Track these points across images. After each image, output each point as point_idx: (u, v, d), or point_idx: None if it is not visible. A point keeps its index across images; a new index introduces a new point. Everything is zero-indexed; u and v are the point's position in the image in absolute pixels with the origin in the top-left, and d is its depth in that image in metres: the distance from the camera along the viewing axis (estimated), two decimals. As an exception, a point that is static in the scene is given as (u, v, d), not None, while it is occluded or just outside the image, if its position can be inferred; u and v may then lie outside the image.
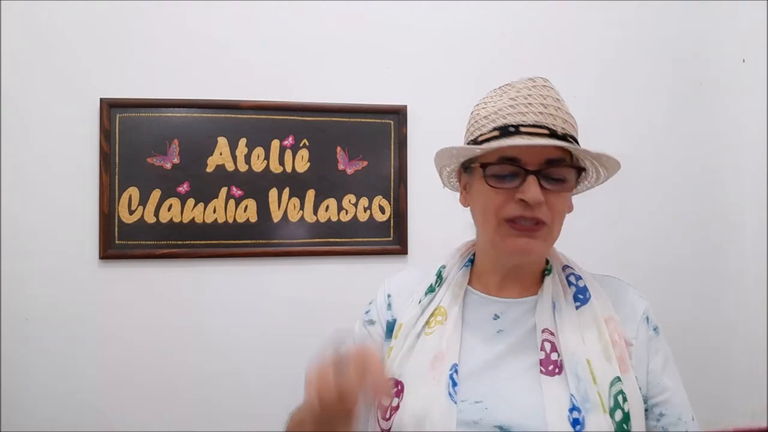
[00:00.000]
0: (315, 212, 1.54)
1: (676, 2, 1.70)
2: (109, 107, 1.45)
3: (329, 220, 1.55)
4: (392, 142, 1.58)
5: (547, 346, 0.77)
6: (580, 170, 0.80)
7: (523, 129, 0.75)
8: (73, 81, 1.45)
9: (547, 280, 0.83)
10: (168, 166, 1.48)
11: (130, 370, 1.46)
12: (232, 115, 1.51)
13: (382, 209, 1.57)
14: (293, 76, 1.55)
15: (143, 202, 1.47)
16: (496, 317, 0.82)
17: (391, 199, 1.58)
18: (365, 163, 1.57)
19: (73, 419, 1.43)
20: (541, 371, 0.75)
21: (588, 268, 0.93)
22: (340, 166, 1.56)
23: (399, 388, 0.79)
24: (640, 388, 0.76)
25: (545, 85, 0.80)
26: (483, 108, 0.82)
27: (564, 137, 0.76)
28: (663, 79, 1.70)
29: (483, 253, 0.88)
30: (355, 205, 1.56)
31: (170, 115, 1.49)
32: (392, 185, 1.58)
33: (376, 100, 1.57)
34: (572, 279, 0.84)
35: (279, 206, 1.53)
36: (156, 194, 1.47)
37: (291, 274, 1.54)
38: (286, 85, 1.54)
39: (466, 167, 0.84)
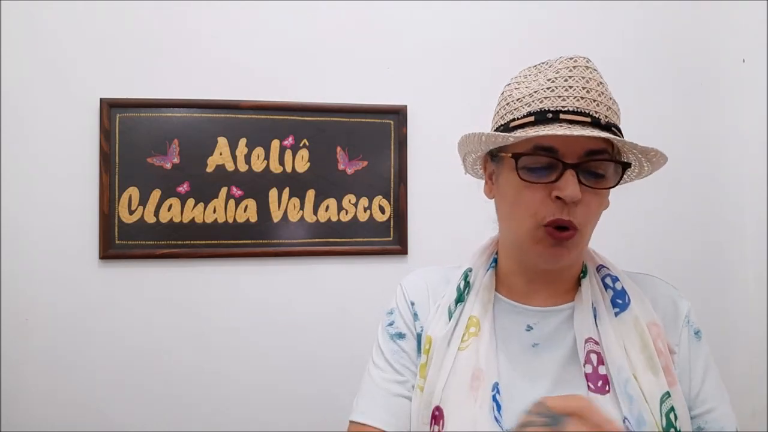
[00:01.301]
0: (315, 212, 1.54)
1: (676, 2, 1.70)
2: (109, 107, 1.45)
3: (329, 220, 1.55)
4: (392, 142, 1.58)
5: (593, 358, 0.69)
6: (623, 165, 0.70)
7: (562, 116, 0.66)
8: (73, 81, 1.45)
9: (584, 284, 0.75)
10: (168, 166, 1.48)
11: (129, 369, 1.46)
12: (232, 115, 1.51)
13: (382, 209, 1.57)
14: (293, 77, 1.55)
15: (143, 202, 1.47)
16: (530, 328, 0.74)
17: (391, 199, 1.58)
18: (365, 163, 1.57)
19: (73, 419, 1.43)
20: (589, 388, 0.67)
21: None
22: (340, 166, 1.56)
23: (438, 414, 0.70)
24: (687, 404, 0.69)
25: (587, 66, 0.70)
26: (516, 89, 0.72)
27: (608, 127, 0.67)
28: (663, 79, 1.70)
29: (506, 253, 0.79)
30: (355, 205, 1.56)
31: (170, 115, 1.49)
32: (392, 185, 1.58)
33: (376, 100, 1.57)
34: (609, 281, 0.76)
35: (279, 206, 1.53)
36: (156, 194, 1.47)
37: (291, 274, 1.54)
38: (286, 85, 1.54)
39: (494, 155, 0.74)
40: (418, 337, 0.78)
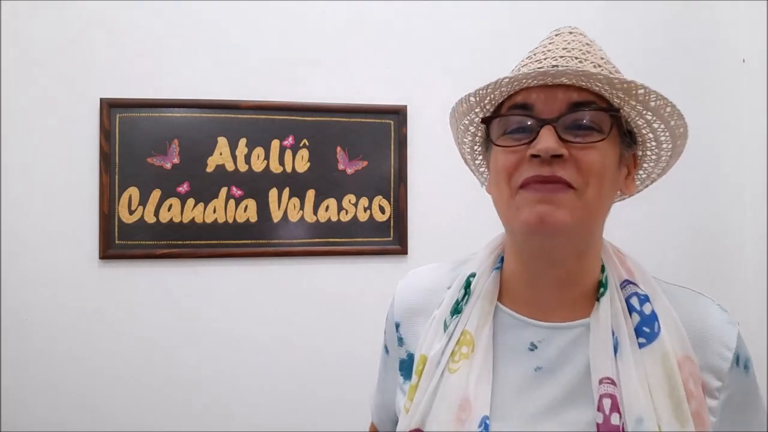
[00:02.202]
0: (315, 212, 1.54)
1: (676, 2, 1.70)
2: (109, 107, 1.45)
3: (329, 220, 1.55)
4: (392, 142, 1.58)
5: (607, 404, 0.56)
6: (613, 113, 0.59)
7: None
8: (73, 81, 1.45)
9: (604, 302, 0.61)
10: (168, 166, 1.48)
11: (129, 369, 1.46)
12: (232, 115, 1.51)
13: (382, 209, 1.57)
14: (293, 76, 1.55)
15: (143, 202, 1.47)
16: (533, 347, 0.62)
17: (391, 199, 1.58)
18: (365, 163, 1.57)
19: (73, 419, 1.43)
20: None
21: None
22: (340, 166, 1.56)
23: None
24: None
25: (571, 32, 0.64)
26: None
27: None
28: (663, 79, 1.69)
29: (509, 250, 0.68)
30: (355, 205, 1.56)
31: (170, 115, 1.49)
32: (392, 185, 1.58)
33: (376, 100, 1.57)
34: (635, 302, 0.61)
35: (279, 206, 1.53)
36: (156, 194, 1.47)
37: (291, 274, 1.54)
38: (286, 85, 1.54)
39: (487, 146, 0.67)
40: (402, 362, 0.71)
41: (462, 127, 0.70)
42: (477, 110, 0.67)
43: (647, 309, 0.60)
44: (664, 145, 0.65)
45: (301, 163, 1.54)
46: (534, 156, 0.56)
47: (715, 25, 1.72)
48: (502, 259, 0.69)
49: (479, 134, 0.70)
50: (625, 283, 0.63)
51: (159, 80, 1.49)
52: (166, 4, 1.50)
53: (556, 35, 0.64)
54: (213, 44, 1.52)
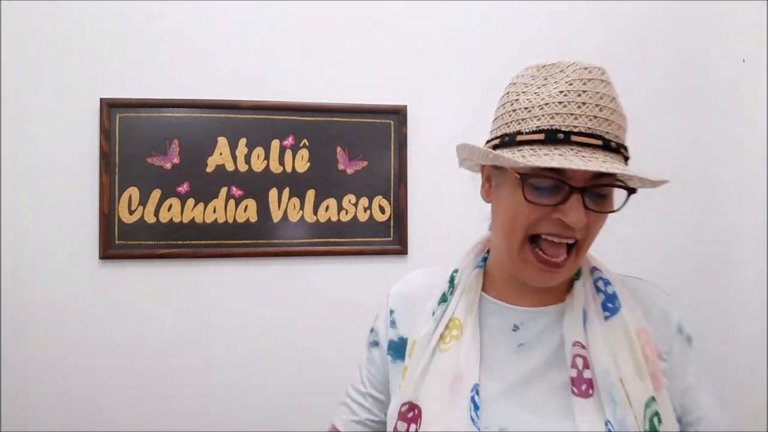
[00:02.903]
0: (315, 212, 1.54)
1: (676, 2, 1.70)
2: (109, 107, 1.45)
3: (329, 220, 1.55)
4: (392, 142, 1.58)
5: (579, 362, 0.68)
6: (630, 190, 0.69)
7: (573, 137, 0.63)
8: (73, 81, 1.45)
9: (578, 285, 0.73)
10: (168, 166, 1.48)
11: (130, 369, 1.46)
12: (232, 115, 1.51)
13: (382, 209, 1.57)
14: (293, 77, 1.55)
15: (143, 202, 1.47)
16: (516, 328, 0.73)
17: (391, 199, 1.58)
18: (365, 163, 1.57)
19: (73, 419, 1.43)
20: (573, 392, 0.67)
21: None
22: (340, 166, 1.56)
23: (416, 413, 0.70)
24: (674, 408, 0.69)
25: (602, 79, 0.67)
26: (523, 92, 0.69)
27: (617, 149, 0.66)
28: (663, 79, 1.70)
29: (498, 259, 0.77)
30: (355, 205, 1.56)
31: (170, 115, 1.49)
32: (392, 185, 1.58)
33: (376, 100, 1.57)
34: (601, 285, 0.74)
35: (279, 206, 1.53)
36: (156, 194, 1.47)
37: (291, 274, 1.54)
38: (286, 85, 1.54)
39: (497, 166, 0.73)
40: (392, 343, 0.79)
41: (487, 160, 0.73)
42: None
43: (610, 290, 0.73)
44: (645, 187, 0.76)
45: (301, 163, 1.54)
46: (560, 219, 0.65)
47: (715, 25, 1.72)
48: (485, 258, 0.79)
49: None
50: (594, 270, 0.76)
51: (159, 80, 1.49)
52: (166, 4, 1.50)
53: (589, 79, 0.66)
54: (213, 44, 1.52)
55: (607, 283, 0.74)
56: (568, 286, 0.74)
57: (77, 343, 1.45)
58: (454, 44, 1.61)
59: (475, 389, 0.68)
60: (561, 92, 0.66)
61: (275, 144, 1.53)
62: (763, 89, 1.66)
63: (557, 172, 0.64)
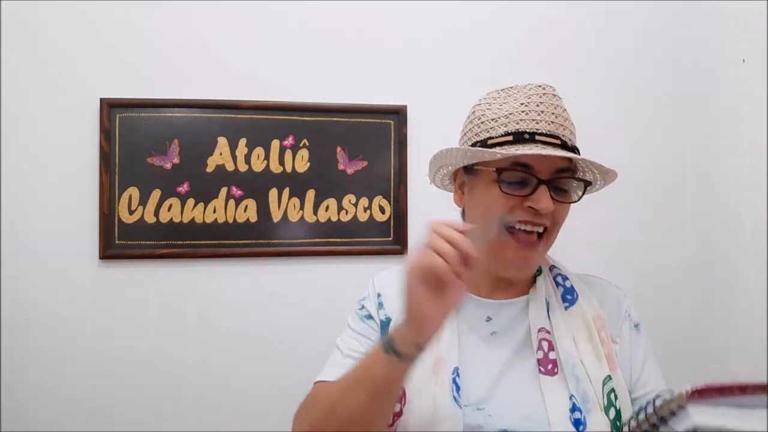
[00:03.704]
0: (315, 212, 1.54)
1: (676, 2, 1.70)
2: (109, 107, 1.45)
3: (329, 220, 1.55)
4: (392, 142, 1.58)
5: (545, 345, 0.78)
6: (586, 183, 0.81)
7: (537, 137, 0.76)
8: (73, 81, 1.45)
9: (539, 280, 0.85)
10: (168, 166, 1.48)
11: (130, 369, 1.46)
12: (232, 115, 1.51)
13: (382, 209, 1.57)
14: (293, 77, 1.55)
15: (143, 202, 1.47)
16: (489, 319, 0.83)
17: (391, 199, 1.58)
18: (365, 163, 1.57)
19: (73, 419, 1.43)
20: (540, 371, 0.76)
21: (587, 270, 0.93)
22: (340, 166, 1.56)
23: (400, 393, 0.76)
24: (627, 386, 0.79)
25: (555, 94, 0.80)
26: (488, 109, 0.81)
27: (572, 149, 0.78)
28: (663, 79, 1.70)
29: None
30: (355, 205, 1.56)
31: (170, 115, 1.49)
32: (392, 185, 1.58)
33: (376, 100, 1.57)
34: (559, 279, 0.86)
35: (279, 206, 1.53)
36: (156, 194, 1.47)
37: (291, 274, 1.54)
38: (287, 85, 1.54)
39: (468, 168, 0.83)
40: (382, 323, 0.86)
41: (463, 160, 0.83)
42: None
43: (568, 284, 0.86)
44: (598, 185, 0.87)
45: (301, 163, 1.54)
46: (531, 206, 0.76)
47: (715, 25, 1.72)
48: None
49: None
50: (552, 267, 0.88)
51: (159, 80, 1.49)
52: (166, 4, 1.50)
53: (543, 93, 0.79)
54: (213, 44, 1.52)
55: (564, 278, 0.86)
56: (531, 282, 0.85)
57: (77, 343, 1.44)
58: (454, 44, 1.61)
59: (456, 371, 0.76)
60: (522, 104, 0.78)
61: (275, 144, 1.53)
62: (763, 89, 1.66)
63: (526, 168, 0.76)
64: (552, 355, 0.77)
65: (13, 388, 1.41)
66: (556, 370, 0.76)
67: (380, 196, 1.57)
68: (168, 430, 1.46)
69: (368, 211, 1.57)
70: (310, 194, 1.54)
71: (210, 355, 1.50)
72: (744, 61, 1.71)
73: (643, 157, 1.66)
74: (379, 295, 0.90)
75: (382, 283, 0.91)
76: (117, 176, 1.46)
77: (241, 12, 1.53)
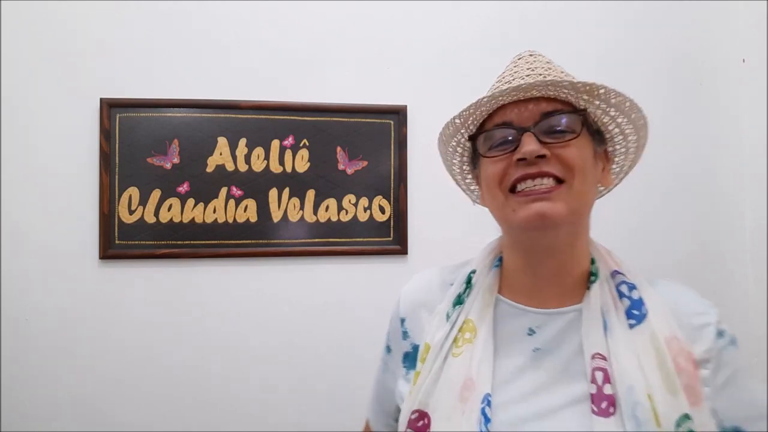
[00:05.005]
0: (315, 212, 1.54)
1: (676, 2, 1.70)
2: (109, 107, 1.45)
3: (329, 220, 1.55)
4: (392, 142, 1.58)
5: (599, 376, 0.63)
6: (579, 112, 0.68)
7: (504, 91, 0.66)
8: (73, 81, 1.45)
9: (594, 288, 0.68)
10: (168, 166, 1.48)
11: (129, 369, 1.46)
12: (232, 115, 1.51)
13: (382, 209, 1.57)
14: (293, 77, 1.55)
15: (143, 202, 1.47)
16: (531, 332, 0.69)
17: (391, 199, 1.58)
18: (365, 163, 1.57)
19: (73, 419, 1.43)
20: (593, 411, 0.61)
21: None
22: (340, 166, 1.56)
23: (425, 422, 0.67)
24: (723, 421, 0.63)
25: (531, 54, 0.73)
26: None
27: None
28: (663, 79, 1.70)
29: (508, 250, 0.75)
30: (355, 205, 1.56)
31: (170, 115, 1.49)
32: (392, 185, 1.58)
33: (376, 100, 1.57)
34: (624, 289, 0.69)
35: (279, 206, 1.53)
36: (156, 194, 1.47)
37: (291, 274, 1.54)
38: (287, 85, 1.54)
39: (475, 165, 0.76)
40: (407, 355, 0.77)
41: (450, 149, 0.77)
42: (462, 131, 0.74)
43: (635, 295, 0.68)
44: (630, 137, 0.74)
45: (301, 163, 1.54)
46: (520, 160, 0.64)
47: (715, 25, 1.72)
48: (501, 259, 0.76)
49: (466, 154, 0.78)
50: (615, 273, 0.71)
51: (159, 80, 1.49)
52: (166, 4, 1.50)
53: (518, 59, 0.73)
54: (213, 44, 1.52)
55: (632, 287, 0.68)
56: (585, 285, 0.70)
57: (77, 343, 1.44)
58: (454, 44, 1.61)
59: (486, 400, 0.64)
60: (498, 76, 0.73)
61: (275, 144, 1.53)
62: (763, 89, 1.66)
63: (506, 125, 0.67)
64: (608, 389, 0.62)
65: (13, 388, 1.41)
66: (612, 410, 0.61)
67: (380, 196, 1.57)
68: (168, 429, 1.46)
69: (368, 211, 1.57)
70: (310, 194, 1.54)
71: (210, 355, 1.50)
72: (744, 61, 1.71)
73: (643, 157, 1.66)
74: (402, 321, 0.79)
75: (406, 301, 0.80)
76: (117, 176, 1.46)
77: (241, 12, 1.53)
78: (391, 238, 1.57)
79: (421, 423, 0.67)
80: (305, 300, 1.54)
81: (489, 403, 0.64)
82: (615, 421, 0.60)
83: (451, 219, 1.58)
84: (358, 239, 1.56)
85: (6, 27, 1.43)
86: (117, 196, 1.46)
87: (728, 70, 1.72)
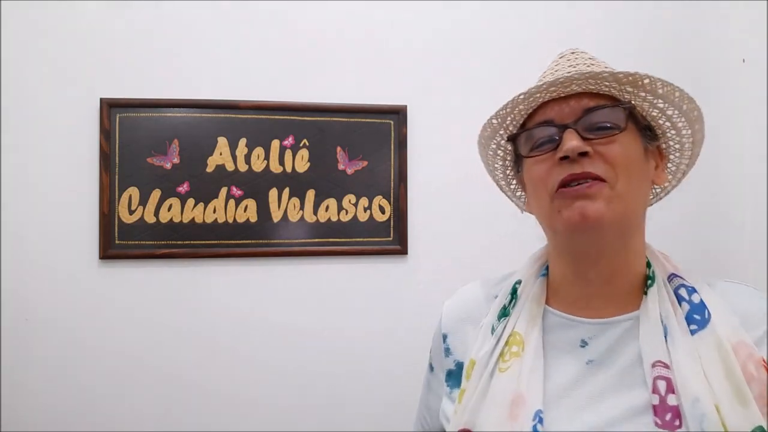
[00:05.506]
0: (315, 212, 1.54)
1: (676, 2, 1.70)
2: (109, 107, 1.45)
3: (329, 220, 1.55)
4: (392, 142, 1.58)
5: (662, 385, 0.57)
6: (625, 106, 0.63)
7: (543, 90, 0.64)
8: (73, 81, 1.45)
9: (651, 292, 0.63)
10: (168, 166, 1.48)
11: (129, 369, 1.46)
12: (232, 115, 1.51)
13: (382, 209, 1.57)
14: (293, 76, 1.55)
15: (143, 202, 1.47)
16: (584, 344, 0.64)
17: (391, 199, 1.58)
18: (365, 163, 1.57)
19: (72, 419, 1.43)
20: (656, 423, 0.56)
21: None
22: (340, 166, 1.56)
23: None
24: None
25: (573, 52, 0.70)
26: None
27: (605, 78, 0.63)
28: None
29: (555, 258, 0.70)
30: (355, 205, 1.56)
31: (170, 115, 1.49)
32: (392, 185, 1.58)
33: (376, 100, 1.57)
34: (683, 293, 0.63)
35: (279, 206, 1.53)
36: (156, 194, 1.47)
37: (291, 274, 1.54)
38: (286, 85, 1.54)
39: (518, 169, 0.73)
40: (449, 373, 0.73)
41: (491, 153, 0.74)
42: (501, 132, 0.71)
43: (696, 298, 0.62)
44: (684, 132, 0.69)
45: (301, 163, 1.54)
46: (563, 158, 0.61)
47: (715, 25, 1.72)
48: (547, 268, 0.72)
49: (508, 158, 0.74)
50: (672, 276, 0.65)
51: (159, 80, 1.49)
52: (166, 4, 1.50)
53: (560, 58, 0.70)
54: (213, 44, 1.52)
55: (692, 291, 0.63)
56: (640, 293, 0.65)
57: (77, 343, 1.44)
58: (454, 44, 1.61)
59: (538, 417, 0.59)
60: (540, 76, 0.70)
61: (275, 144, 1.53)
62: (763, 89, 1.66)
63: (547, 123, 0.64)
64: (672, 400, 0.56)
65: (13, 388, 1.41)
66: (678, 423, 0.55)
67: (380, 196, 1.57)
68: (168, 429, 1.46)
69: (368, 211, 1.57)
70: (310, 194, 1.54)
71: (210, 355, 1.50)
72: (744, 61, 1.71)
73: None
74: (444, 338, 0.75)
75: (449, 317, 0.76)
76: (117, 176, 1.46)
77: (241, 12, 1.53)
78: (391, 238, 1.57)
79: None
80: (305, 300, 1.54)
81: (541, 420, 0.59)
82: None
83: (451, 219, 1.58)
84: (358, 239, 1.56)
85: (6, 27, 1.43)
86: (117, 196, 1.46)
87: (728, 70, 1.72)
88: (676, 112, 0.66)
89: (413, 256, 1.57)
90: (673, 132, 0.69)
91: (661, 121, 0.68)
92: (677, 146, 0.72)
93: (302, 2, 1.55)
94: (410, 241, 1.57)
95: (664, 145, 0.71)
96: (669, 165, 0.74)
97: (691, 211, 1.70)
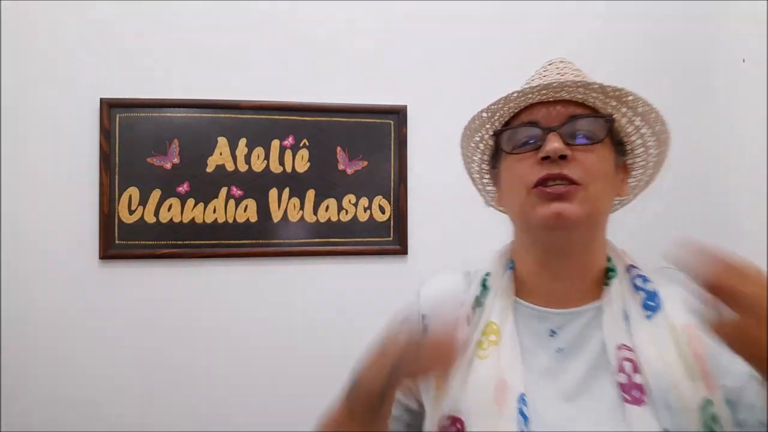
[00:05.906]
0: (315, 212, 1.54)
1: (676, 2, 1.70)
2: (109, 107, 1.45)
3: (329, 220, 1.55)
4: (392, 142, 1.58)
5: (627, 366, 0.63)
6: (605, 118, 0.69)
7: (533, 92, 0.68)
8: (73, 81, 1.45)
9: (614, 283, 0.70)
10: (168, 166, 1.48)
11: (129, 369, 1.46)
12: (232, 115, 1.51)
13: (382, 209, 1.57)
14: (293, 76, 1.55)
15: (143, 202, 1.47)
16: (553, 333, 0.69)
17: (391, 199, 1.58)
18: (365, 163, 1.57)
19: (72, 419, 1.43)
20: (625, 399, 0.62)
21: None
22: (340, 166, 1.56)
23: (459, 427, 0.66)
24: (728, 401, 0.63)
25: (562, 60, 0.74)
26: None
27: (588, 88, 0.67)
28: (663, 79, 1.70)
29: (522, 252, 0.75)
30: (355, 205, 1.56)
31: (170, 115, 1.49)
32: (392, 185, 1.58)
33: (376, 100, 1.57)
34: (639, 282, 0.70)
35: (279, 206, 1.53)
36: (156, 194, 1.48)
37: (291, 274, 1.54)
38: (286, 85, 1.54)
39: (494, 165, 0.76)
40: None
41: (473, 144, 0.78)
42: (488, 126, 0.75)
43: (650, 287, 0.69)
44: (651, 151, 0.76)
45: (301, 163, 1.54)
46: (544, 158, 0.65)
47: (715, 25, 1.72)
48: (513, 263, 0.76)
49: (487, 153, 0.79)
50: (630, 268, 0.72)
51: (159, 80, 1.49)
52: (166, 4, 1.50)
53: (549, 64, 0.74)
54: (213, 44, 1.52)
55: (645, 279, 0.70)
56: (602, 283, 0.71)
57: (77, 343, 1.45)
58: (454, 44, 1.61)
59: (522, 399, 0.64)
60: (528, 79, 0.74)
61: (275, 144, 1.53)
62: (763, 89, 1.65)
63: (532, 124, 0.68)
64: (637, 379, 0.62)
65: (13, 388, 1.41)
66: (643, 399, 0.61)
67: (380, 196, 1.57)
68: (168, 429, 1.46)
69: (368, 211, 1.57)
70: (310, 194, 1.54)
71: (210, 355, 1.50)
72: (744, 61, 1.71)
73: (643, 156, 1.66)
74: (423, 317, 0.78)
75: (427, 301, 0.79)
76: (117, 176, 1.46)
77: (241, 12, 1.53)
78: (391, 238, 1.57)
79: (454, 429, 0.66)
80: (305, 300, 1.54)
81: (525, 403, 0.64)
82: (648, 409, 0.61)
83: (451, 219, 1.58)
84: (358, 239, 1.56)
85: (6, 27, 1.43)
86: (117, 196, 1.46)
87: (728, 70, 1.72)
88: (650, 131, 0.74)
89: (413, 256, 1.57)
90: (641, 150, 0.76)
91: (633, 138, 0.74)
92: (642, 163, 0.78)
93: (302, 2, 1.55)
94: (410, 241, 1.57)
95: (630, 161, 0.77)
96: (630, 180, 0.80)
97: (690, 211, 1.70)
